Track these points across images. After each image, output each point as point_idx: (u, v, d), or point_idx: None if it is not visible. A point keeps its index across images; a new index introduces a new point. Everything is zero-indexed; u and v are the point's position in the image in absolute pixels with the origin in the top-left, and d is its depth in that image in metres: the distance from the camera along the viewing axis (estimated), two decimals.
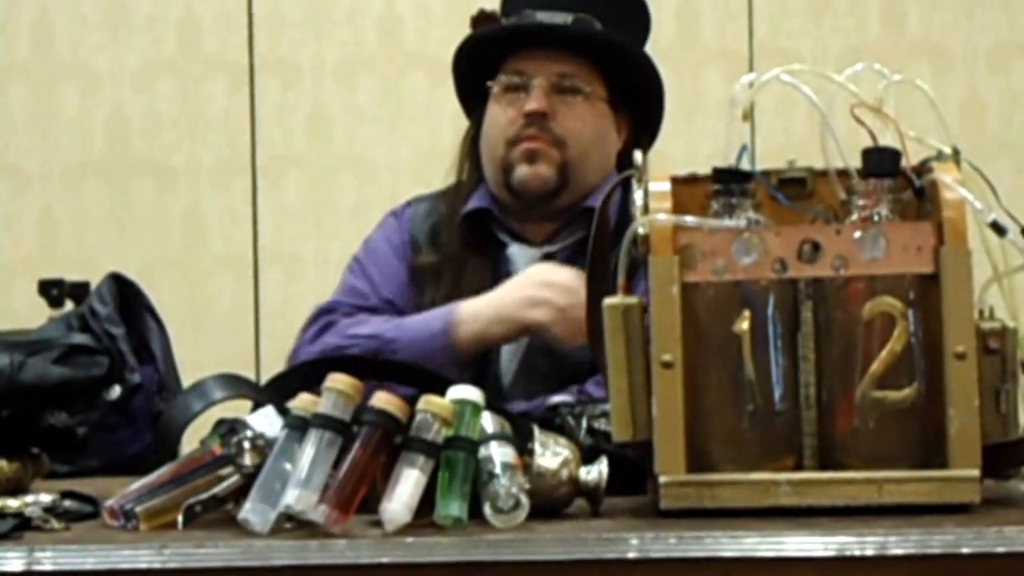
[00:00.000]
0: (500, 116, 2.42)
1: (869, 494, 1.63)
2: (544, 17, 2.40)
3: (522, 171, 2.39)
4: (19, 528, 1.62)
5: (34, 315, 3.10)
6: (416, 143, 4.11)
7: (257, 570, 1.54)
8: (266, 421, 1.67)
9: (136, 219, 4.17)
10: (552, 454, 1.68)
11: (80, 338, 2.32)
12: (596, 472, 1.69)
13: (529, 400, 2.25)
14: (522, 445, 1.67)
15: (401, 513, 1.56)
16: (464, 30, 2.46)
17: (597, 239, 1.80)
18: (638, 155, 1.76)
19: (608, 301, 1.68)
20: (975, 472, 1.62)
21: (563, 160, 2.39)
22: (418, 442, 1.60)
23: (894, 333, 1.64)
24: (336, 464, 1.59)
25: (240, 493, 1.63)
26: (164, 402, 2.27)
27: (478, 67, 2.45)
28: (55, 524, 1.65)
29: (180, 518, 1.62)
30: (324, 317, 2.42)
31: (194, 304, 4.11)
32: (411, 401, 1.63)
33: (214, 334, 4.08)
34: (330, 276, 4.01)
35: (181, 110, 4.18)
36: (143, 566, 1.54)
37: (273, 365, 2.39)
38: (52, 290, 3.21)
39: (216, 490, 1.64)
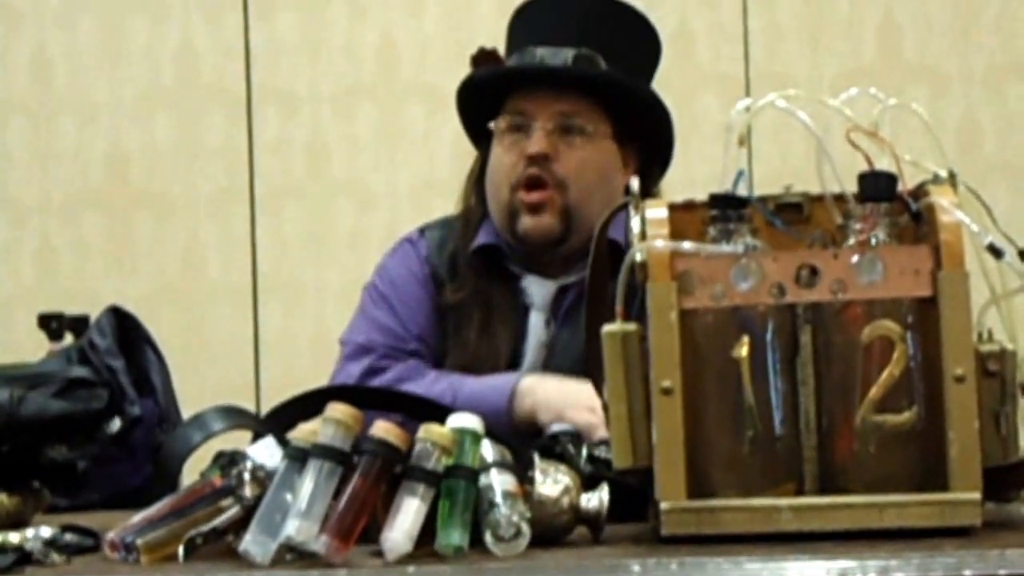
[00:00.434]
0: (503, 158, 2.40)
1: (870, 518, 1.63)
2: (546, 54, 2.37)
3: (526, 222, 2.38)
4: (20, 562, 1.62)
5: (34, 348, 3.10)
6: (414, 172, 4.12)
7: None
8: (266, 452, 1.67)
9: (135, 250, 4.17)
10: (553, 482, 1.68)
11: (80, 371, 2.31)
12: (597, 499, 1.68)
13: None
14: (522, 473, 1.67)
15: (402, 542, 1.56)
16: (461, 58, 2.46)
17: (595, 266, 1.80)
18: (634, 182, 1.76)
19: (607, 328, 1.69)
20: (976, 495, 1.62)
21: (565, 203, 2.37)
22: (418, 471, 1.60)
23: (893, 357, 1.64)
24: (336, 494, 1.59)
25: (241, 525, 1.62)
26: (164, 434, 2.27)
27: (481, 106, 2.44)
28: (56, 558, 1.64)
29: (181, 550, 1.62)
30: (364, 357, 2.41)
31: (193, 335, 4.11)
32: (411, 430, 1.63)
33: (214, 365, 4.08)
34: (329, 305, 4.04)
35: (179, 141, 4.18)
36: None
37: (273, 395, 2.40)
38: (52, 323, 3.22)
39: (217, 522, 1.64)
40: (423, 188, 4.05)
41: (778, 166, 3.79)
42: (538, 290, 2.41)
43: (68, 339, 3.19)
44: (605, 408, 1.71)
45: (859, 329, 1.65)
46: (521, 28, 2.44)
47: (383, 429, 1.61)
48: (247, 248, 4.17)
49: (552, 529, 1.66)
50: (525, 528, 1.59)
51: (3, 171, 4.18)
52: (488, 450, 1.66)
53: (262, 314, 4.16)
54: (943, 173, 1.72)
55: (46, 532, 1.73)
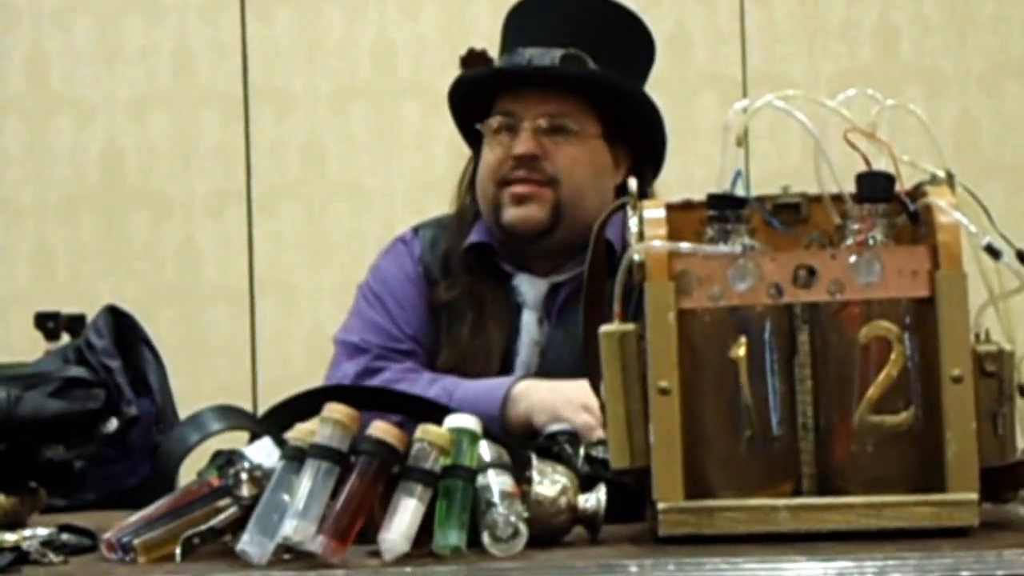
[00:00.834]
0: (490, 158, 2.42)
1: (868, 519, 1.63)
2: (535, 55, 2.38)
3: (510, 213, 2.39)
4: (17, 562, 1.62)
5: (30, 348, 3.10)
6: (410, 171, 4.12)
7: None
8: (263, 452, 1.67)
9: (131, 250, 4.17)
10: (550, 482, 1.68)
11: (77, 371, 2.31)
12: (594, 499, 1.68)
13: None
14: (520, 473, 1.67)
15: (399, 543, 1.56)
16: (457, 59, 2.46)
17: (593, 267, 1.80)
18: (632, 182, 1.76)
19: (604, 328, 1.69)
20: (973, 496, 1.62)
21: (557, 199, 2.38)
22: (416, 471, 1.60)
23: (890, 357, 1.64)
24: (334, 494, 1.59)
25: (238, 525, 1.62)
26: (161, 434, 2.27)
27: (473, 106, 2.44)
28: (53, 558, 1.64)
29: (178, 550, 1.62)
30: (359, 357, 2.41)
31: (190, 335, 4.11)
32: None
33: (211, 365, 4.08)
34: (326, 305, 4.04)
35: (175, 141, 4.18)
36: None
37: (270, 395, 2.40)
38: (48, 323, 3.22)
39: (214, 522, 1.64)
40: (419, 188, 4.05)
41: (776, 166, 3.80)
42: (530, 288, 2.42)
43: (65, 339, 3.19)
44: (602, 407, 1.71)
45: (856, 329, 1.65)
46: (513, 29, 2.46)
47: (380, 429, 1.61)
48: (244, 248, 4.17)
49: (550, 529, 1.66)
50: (523, 528, 1.59)
51: None
52: (486, 450, 1.66)
53: (259, 314, 4.16)
54: (941, 173, 1.72)
55: (43, 532, 1.73)
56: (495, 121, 2.42)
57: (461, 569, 1.54)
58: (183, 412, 2.17)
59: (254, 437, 1.74)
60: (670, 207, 1.72)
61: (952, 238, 1.64)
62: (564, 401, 2.26)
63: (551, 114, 2.39)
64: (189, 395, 2.38)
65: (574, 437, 1.86)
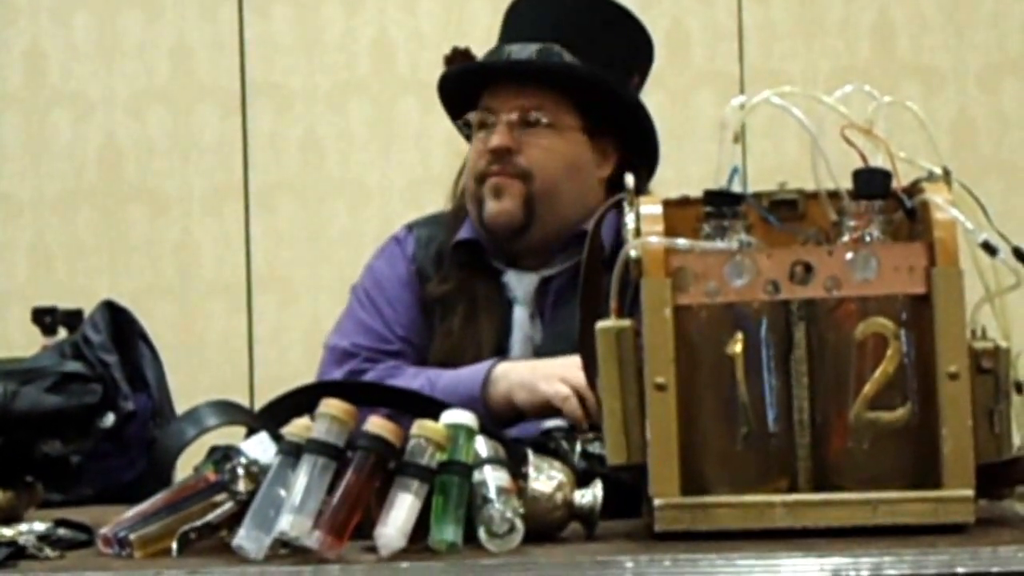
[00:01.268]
0: (471, 154, 2.44)
1: (863, 515, 1.63)
2: (514, 50, 2.40)
3: (489, 207, 2.40)
4: (13, 557, 1.62)
5: (27, 343, 3.09)
6: (408, 168, 4.12)
7: None
8: (260, 447, 1.67)
9: (129, 246, 4.17)
10: (547, 478, 1.68)
11: (73, 366, 2.32)
12: (591, 495, 1.68)
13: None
14: (516, 469, 1.67)
15: (395, 538, 1.56)
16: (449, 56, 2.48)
17: (589, 262, 1.80)
18: (629, 178, 1.76)
19: (601, 324, 1.69)
20: (969, 492, 1.62)
21: (529, 192, 2.39)
22: (412, 467, 1.60)
23: (887, 354, 1.64)
24: (330, 490, 1.59)
25: (234, 520, 1.62)
26: (158, 429, 2.27)
27: (459, 103, 2.46)
28: (49, 552, 1.64)
29: (174, 545, 1.62)
30: (347, 363, 2.42)
31: (187, 331, 4.11)
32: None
33: (208, 360, 4.08)
34: (323, 301, 4.03)
35: (173, 137, 4.18)
36: None
37: (267, 391, 2.40)
38: (45, 318, 3.21)
39: (210, 517, 1.64)
40: (417, 184, 4.05)
41: (773, 163, 3.80)
42: (519, 284, 2.42)
43: (62, 334, 3.19)
44: (598, 402, 1.71)
45: (853, 326, 1.65)
46: (505, 26, 2.47)
47: (377, 425, 1.61)
48: (241, 244, 4.17)
49: (546, 525, 1.66)
50: (519, 524, 1.59)
51: None
52: (482, 446, 1.66)
53: (256, 310, 4.16)
54: (937, 170, 1.72)
55: (39, 527, 1.73)
56: (475, 117, 2.44)
57: (457, 565, 1.54)
58: (180, 408, 2.17)
59: (250, 432, 1.74)
60: (667, 203, 1.72)
61: (949, 235, 1.64)
62: (541, 375, 2.27)
63: (525, 107, 2.40)
64: (186, 391, 2.39)
65: (570, 433, 1.86)
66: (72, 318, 3.12)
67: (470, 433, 1.64)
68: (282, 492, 1.60)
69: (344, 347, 2.44)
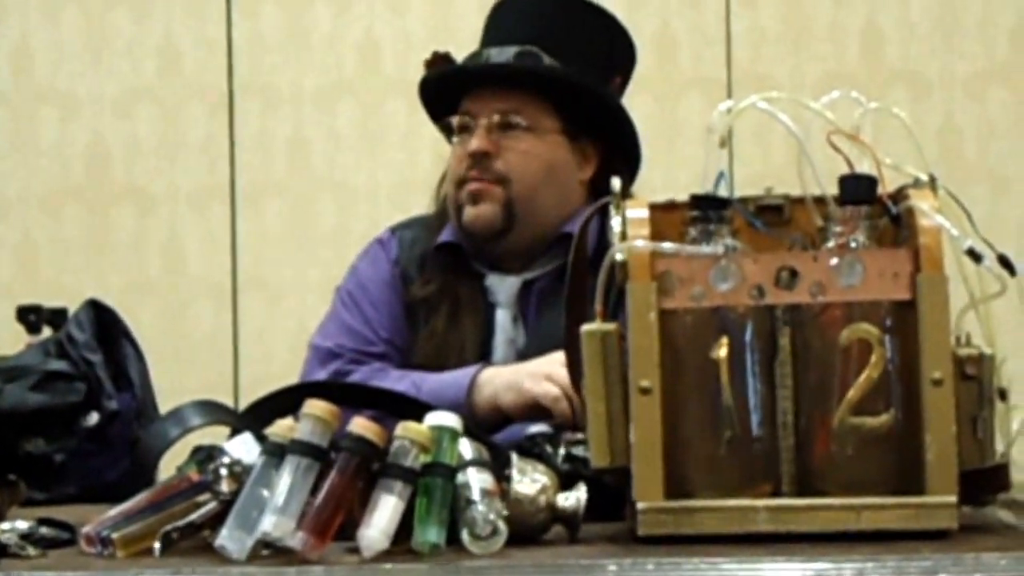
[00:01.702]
0: (451, 159, 2.44)
1: (847, 520, 1.63)
2: (493, 53, 2.40)
3: (468, 213, 2.40)
4: None
5: (12, 341, 3.09)
6: (395, 168, 4.12)
7: None
8: (243, 447, 1.66)
9: (115, 245, 4.16)
10: (530, 480, 1.68)
11: (58, 365, 2.31)
12: (574, 498, 1.68)
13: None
14: (500, 471, 1.67)
15: (379, 539, 1.56)
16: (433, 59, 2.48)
17: (575, 266, 1.80)
18: (616, 181, 1.76)
19: (586, 328, 1.69)
20: (952, 498, 1.63)
21: (507, 197, 2.39)
22: (396, 468, 1.60)
23: (871, 359, 1.64)
24: (313, 490, 1.59)
25: (217, 520, 1.62)
26: (142, 429, 2.27)
27: (442, 107, 2.46)
28: (31, 551, 1.64)
29: (157, 545, 1.62)
30: (331, 363, 2.42)
31: (173, 330, 4.10)
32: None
33: (193, 360, 4.08)
34: (309, 302, 4.03)
35: (161, 136, 4.18)
36: None
37: (252, 391, 2.40)
38: (30, 316, 3.21)
39: (193, 517, 1.64)
40: (404, 185, 4.05)
41: (759, 168, 3.80)
42: (501, 287, 2.42)
43: (46, 332, 3.19)
44: (583, 405, 1.71)
45: (838, 331, 1.66)
46: (485, 29, 2.48)
47: (361, 426, 1.61)
48: (227, 244, 4.16)
49: (529, 527, 1.66)
50: (502, 526, 1.59)
51: None
52: (466, 448, 1.66)
53: (242, 310, 4.16)
54: (923, 177, 1.72)
55: (22, 525, 1.72)
56: (457, 121, 2.44)
57: (440, 567, 1.54)
58: (165, 407, 2.17)
59: (234, 432, 1.74)
60: (653, 207, 1.72)
61: (934, 241, 1.64)
62: (526, 375, 2.27)
63: (503, 111, 2.40)
64: (171, 391, 2.38)
65: (554, 437, 1.86)
66: (57, 316, 3.11)
67: (454, 435, 1.64)
68: (265, 493, 1.59)
69: (328, 347, 2.45)
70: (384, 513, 1.57)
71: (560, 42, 2.39)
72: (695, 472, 1.66)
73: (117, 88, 4.18)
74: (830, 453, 1.66)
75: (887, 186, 1.71)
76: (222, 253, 4.16)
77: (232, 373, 4.14)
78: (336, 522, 1.57)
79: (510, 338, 2.41)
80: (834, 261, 1.65)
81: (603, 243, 1.75)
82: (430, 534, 1.58)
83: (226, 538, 1.58)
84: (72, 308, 2.50)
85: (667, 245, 1.66)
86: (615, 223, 1.72)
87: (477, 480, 1.63)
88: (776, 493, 1.67)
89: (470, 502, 1.60)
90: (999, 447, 1.69)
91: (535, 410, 2.25)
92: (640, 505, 1.63)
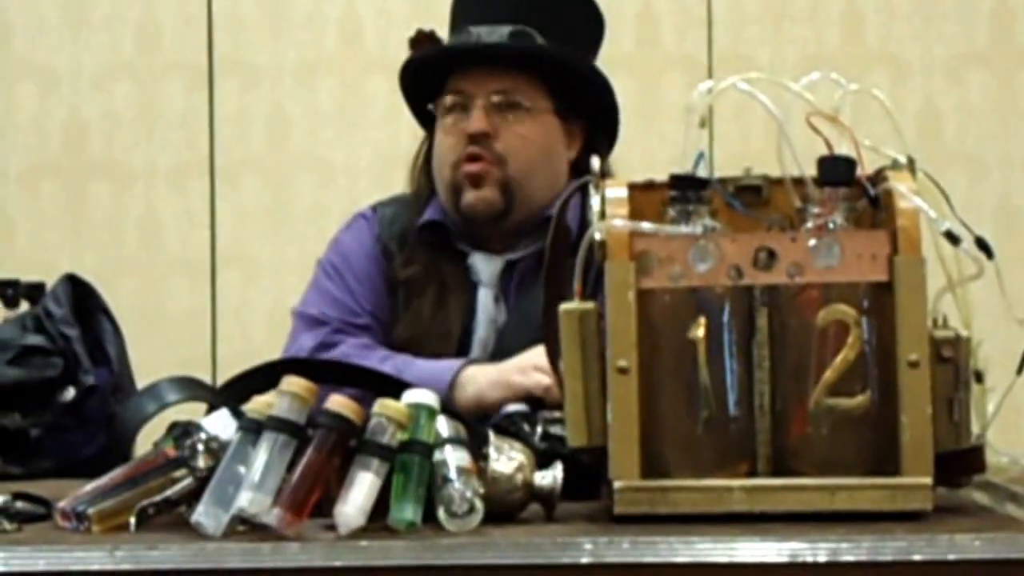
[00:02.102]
0: (445, 139, 2.42)
1: (822, 501, 1.63)
2: (483, 32, 2.39)
3: (468, 196, 2.39)
4: None
5: None
6: (375, 146, 4.11)
7: (209, 572, 1.53)
8: (220, 424, 1.66)
9: (93, 220, 4.15)
10: (507, 459, 1.68)
11: (34, 339, 2.31)
12: (551, 477, 1.69)
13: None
14: (477, 450, 1.67)
15: (355, 516, 1.56)
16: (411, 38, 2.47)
17: (554, 245, 1.80)
18: (595, 161, 1.76)
19: (564, 307, 1.69)
20: (927, 480, 1.63)
21: (505, 178, 2.39)
22: (373, 445, 1.60)
23: (848, 341, 1.65)
24: (290, 467, 1.59)
25: (193, 496, 1.62)
26: (119, 404, 2.26)
27: (425, 87, 2.44)
28: (7, 525, 1.64)
29: (132, 520, 1.62)
30: (317, 330, 2.41)
31: (150, 306, 4.09)
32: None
33: (170, 336, 4.07)
34: (288, 279, 4.02)
35: (139, 111, 4.16)
36: (95, 568, 1.53)
37: (230, 367, 2.39)
38: (7, 290, 3.19)
39: (169, 492, 1.64)
40: (383, 163, 4.04)
41: (739, 149, 3.79)
42: (485, 267, 2.42)
43: (23, 307, 3.18)
44: (560, 385, 1.71)
45: (815, 312, 1.66)
46: (461, 8, 2.46)
47: (338, 403, 1.61)
48: (206, 220, 4.15)
49: (505, 506, 1.67)
50: (478, 504, 1.59)
51: None
52: (443, 426, 1.66)
53: (220, 286, 4.15)
54: (902, 159, 1.73)
55: None
56: (447, 100, 2.42)
57: (416, 544, 1.54)
58: (142, 383, 2.16)
59: (211, 409, 1.74)
60: (632, 187, 1.72)
61: (912, 223, 1.65)
62: (512, 368, 2.27)
63: (502, 90, 2.39)
64: (148, 366, 2.38)
65: (531, 416, 1.86)
66: (34, 291, 3.10)
67: (431, 413, 1.64)
68: (241, 469, 1.59)
69: (313, 315, 2.43)
70: (361, 490, 1.57)
71: (546, 20, 2.39)
72: (671, 452, 1.66)
73: (95, 63, 4.16)
74: (806, 434, 1.67)
75: (866, 168, 1.71)
76: (200, 229, 4.15)
77: (210, 349, 4.13)
78: (312, 499, 1.57)
79: (491, 317, 2.41)
80: (812, 242, 1.66)
81: (585, 223, 1.75)
82: (406, 511, 1.58)
83: (202, 514, 1.58)
84: (49, 283, 2.49)
85: (646, 225, 1.66)
86: (594, 202, 1.72)
87: (454, 458, 1.63)
88: (752, 473, 1.68)
89: (447, 480, 1.61)
90: (975, 429, 1.70)
91: (525, 403, 2.24)
92: (616, 484, 1.64)
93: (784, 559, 1.53)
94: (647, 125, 3.84)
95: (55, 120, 4.16)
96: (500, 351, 2.36)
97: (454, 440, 1.65)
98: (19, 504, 1.72)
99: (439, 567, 1.53)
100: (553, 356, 1.76)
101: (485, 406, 2.25)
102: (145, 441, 1.76)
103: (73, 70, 4.16)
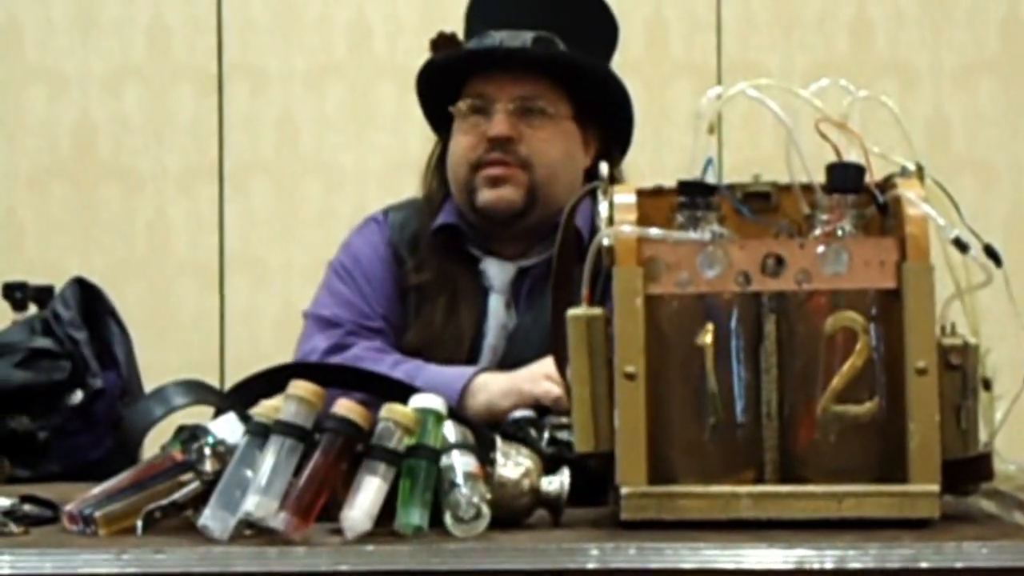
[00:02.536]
0: (463, 140, 2.41)
1: (829, 508, 1.63)
2: (505, 37, 2.38)
3: (485, 195, 2.38)
4: None
5: None
6: (384, 151, 4.11)
7: None
8: (227, 427, 1.66)
9: (101, 224, 4.15)
10: (514, 464, 1.68)
11: (43, 342, 2.31)
12: (558, 482, 1.69)
13: None
14: (484, 455, 1.67)
15: (362, 521, 1.56)
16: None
17: (562, 250, 1.80)
18: (604, 167, 1.76)
19: (572, 312, 1.69)
20: (935, 487, 1.63)
21: (531, 182, 2.38)
22: (380, 450, 1.60)
23: (856, 348, 1.64)
24: (297, 471, 1.59)
25: (200, 499, 1.62)
26: (126, 407, 2.27)
27: (441, 90, 2.44)
28: (14, 528, 1.64)
29: (139, 523, 1.62)
30: (330, 331, 2.40)
31: (159, 310, 4.10)
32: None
33: (178, 340, 4.07)
34: (296, 283, 4.02)
35: (149, 115, 4.17)
36: (102, 571, 1.53)
37: (237, 371, 2.39)
38: (16, 293, 3.20)
39: (176, 496, 1.64)
40: (392, 168, 4.04)
41: (747, 155, 3.79)
42: (497, 272, 2.42)
43: (32, 309, 3.18)
44: (567, 390, 1.71)
45: (823, 319, 1.66)
46: (479, 13, 2.46)
47: (345, 407, 1.61)
48: (214, 224, 4.15)
49: (512, 511, 1.67)
50: (485, 509, 1.59)
51: None
52: (450, 431, 1.66)
53: (228, 290, 4.15)
54: (911, 166, 1.72)
55: (5, 502, 1.72)
56: (467, 103, 2.41)
57: (422, 549, 1.54)
58: (150, 387, 2.17)
59: (218, 412, 1.74)
60: (641, 193, 1.72)
61: (920, 230, 1.64)
62: (523, 377, 2.27)
63: (525, 96, 2.39)
64: (156, 370, 2.38)
65: (538, 421, 1.86)
66: (42, 294, 3.11)
67: (438, 418, 1.64)
68: (249, 473, 1.59)
69: (326, 316, 2.43)
70: (367, 495, 1.57)
71: (567, 28, 2.39)
72: (678, 458, 1.66)
73: (105, 67, 4.17)
74: (814, 440, 1.67)
75: (874, 175, 1.71)
76: (209, 233, 4.15)
77: (218, 353, 4.13)
78: (319, 503, 1.57)
79: (502, 323, 2.41)
80: (820, 249, 1.66)
81: (596, 229, 1.75)
82: (413, 516, 1.58)
83: (209, 518, 1.58)
84: (58, 286, 2.49)
85: (654, 231, 1.66)
86: (603, 208, 1.72)
87: (461, 463, 1.63)
88: (759, 480, 1.67)
89: (454, 485, 1.61)
90: (982, 437, 1.70)
91: (534, 411, 2.24)
92: (623, 490, 1.63)
93: (791, 566, 1.52)
94: (656, 131, 3.84)
95: (64, 123, 4.17)
96: (510, 357, 2.36)
97: (461, 445, 1.65)
98: (26, 507, 1.72)
99: (445, 572, 1.53)
100: (561, 361, 1.76)
101: (495, 414, 2.25)
102: (152, 444, 1.76)
103: (83, 74, 4.16)
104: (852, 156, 1.71)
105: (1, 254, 4.13)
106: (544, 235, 2.39)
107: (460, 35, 2.46)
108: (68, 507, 1.65)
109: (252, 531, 1.58)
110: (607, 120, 2.44)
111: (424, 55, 2.49)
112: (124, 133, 4.17)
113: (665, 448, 1.66)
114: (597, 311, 1.68)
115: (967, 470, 1.69)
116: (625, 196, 1.71)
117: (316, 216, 4.11)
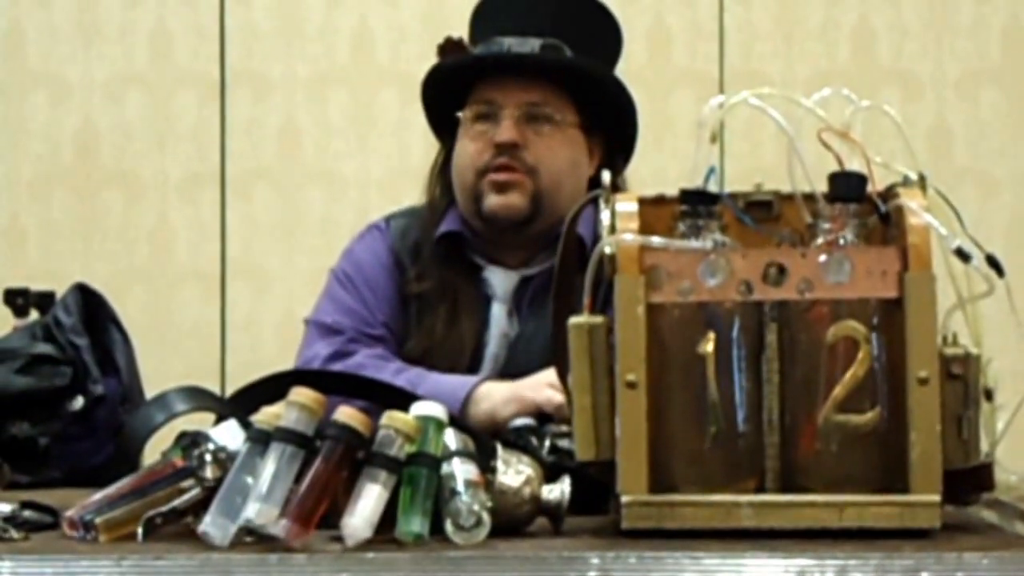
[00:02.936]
0: (469, 146, 2.41)
1: (830, 518, 1.63)
2: (513, 44, 2.39)
3: (492, 200, 2.38)
4: None
5: None
6: (386, 159, 4.11)
7: None
8: (228, 434, 1.66)
9: (103, 230, 4.15)
10: (515, 472, 1.68)
11: (44, 348, 2.31)
12: (558, 491, 1.69)
13: None
14: (485, 463, 1.67)
15: (362, 528, 1.56)
16: (436, 47, 2.46)
17: (564, 259, 1.80)
18: (606, 175, 1.76)
19: (573, 320, 1.69)
20: (936, 497, 1.63)
21: (536, 189, 2.38)
22: (381, 457, 1.60)
23: (857, 357, 1.64)
24: (298, 478, 1.59)
25: (201, 506, 1.62)
26: (127, 414, 2.27)
27: (447, 95, 2.44)
28: (14, 534, 1.64)
29: (140, 530, 1.62)
30: (332, 338, 2.40)
31: (160, 316, 4.10)
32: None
33: (180, 347, 4.07)
34: (297, 290, 4.03)
35: (151, 122, 4.17)
36: None
37: (239, 378, 2.39)
38: (17, 299, 3.20)
39: (176, 503, 1.64)
40: (394, 176, 4.05)
41: (749, 164, 3.80)
42: (500, 281, 2.42)
43: (33, 315, 3.18)
44: (569, 399, 1.71)
45: (824, 329, 1.66)
46: (485, 19, 2.46)
47: (346, 414, 1.61)
48: (216, 230, 4.16)
49: (513, 519, 1.66)
50: (486, 517, 1.59)
51: None
52: (451, 438, 1.66)
53: (230, 297, 4.15)
54: (913, 176, 1.72)
55: (5, 508, 1.72)
56: (474, 109, 2.41)
57: (423, 557, 1.54)
58: (151, 393, 2.17)
59: (219, 419, 1.74)
60: (643, 201, 1.72)
61: (922, 240, 1.64)
62: (526, 385, 2.27)
63: (532, 102, 2.39)
64: (157, 377, 2.38)
65: (539, 429, 1.86)
66: (44, 300, 3.11)
67: (439, 425, 1.64)
68: (249, 480, 1.59)
69: (328, 323, 2.43)
70: (368, 502, 1.57)
71: (573, 35, 2.40)
72: (679, 466, 1.66)
73: (108, 73, 4.17)
74: (815, 450, 1.66)
75: (877, 184, 1.71)
76: (211, 240, 4.15)
77: (219, 360, 4.14)
78: (320, 510, 1.57)
79: (504, 332, 2.41)
80: (822, 258, 1.66)
81: (598, 237, 1.75)
82: (414, 524, 1.58)
83: (209, 524, 1.58)
84: (60, 292, 2.49)
85: (656, 239, 1.66)
86: (604, 216, 1.72)
87: (461, 471, 1.63)
88: (760, 489, 1.67)
89: (454, 493, 1.61)
90: (984, 447, 1.70)
91: (535, 419, 2.24)
92: (624, 498, 1.63)
93: (792, 575, 1.52)
94: (658, 140, 3.84)
95: (67, 130, 4.17)
96: (512, 366, 2.36)
97: (462, 453, 1.65)
98: (26, 513, 1.72)
99: None
100: (562, 370, 1.76)
101: (498, 422, 2.25)
102: (153, 451, 1.76)
103: (85, 80, 4.17)
104: (854, 165, 1.71)
105: (3, 260, 4.14)
106: (547, 244, 2.39)
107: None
108: (68, 513, 1.65)
109: (253, 538, 1.58)
110: (612, 128, 2.45)
111: (426, 63, 2.49)
112: (126, 140, 4.17)
113: (666, 457, 1.66)
114: (599, 319, 1.68)
115: (968, 480, 1.69)
116: (627, 204, 1.71)
117: (318, 223, 4.12)
